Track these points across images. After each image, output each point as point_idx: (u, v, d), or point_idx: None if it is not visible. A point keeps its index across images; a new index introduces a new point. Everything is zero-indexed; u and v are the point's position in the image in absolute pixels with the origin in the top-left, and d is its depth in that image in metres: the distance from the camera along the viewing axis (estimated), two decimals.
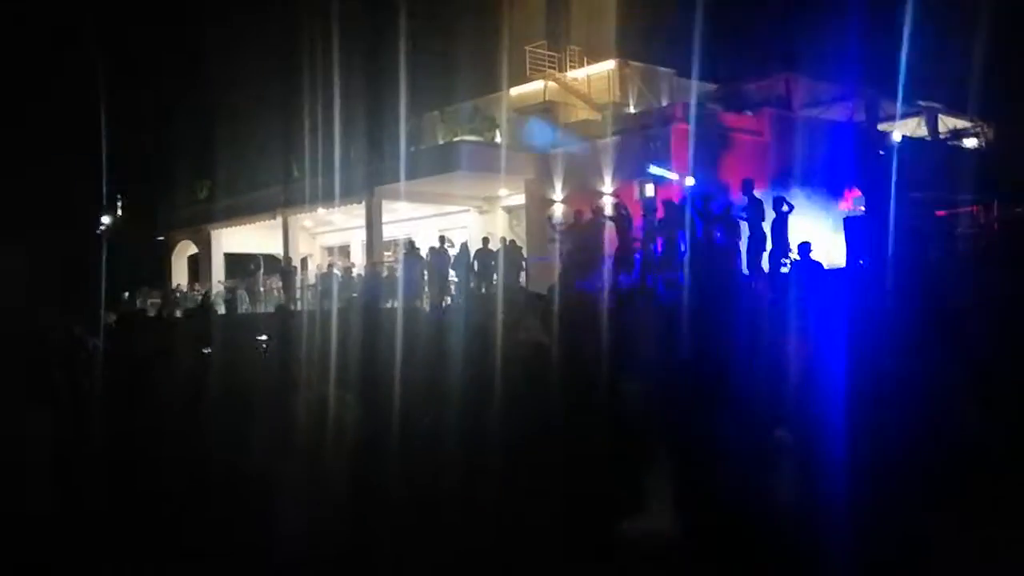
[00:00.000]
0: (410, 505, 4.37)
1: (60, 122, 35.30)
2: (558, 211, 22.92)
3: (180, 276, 34.55)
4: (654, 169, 19.17)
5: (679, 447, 3.99)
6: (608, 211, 18.15)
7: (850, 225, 15.07)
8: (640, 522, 3.99)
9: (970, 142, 27.81)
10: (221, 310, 18.76)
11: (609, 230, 17.66)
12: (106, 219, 36.06)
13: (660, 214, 16.63)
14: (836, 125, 22.36)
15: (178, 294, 30.54)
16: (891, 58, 15.04)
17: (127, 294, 30.42)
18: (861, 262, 13.55)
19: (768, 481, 3.75)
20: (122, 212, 36.94)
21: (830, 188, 19.27)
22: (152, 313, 24.33)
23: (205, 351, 6.10)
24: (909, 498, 3.26)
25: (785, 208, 14.92)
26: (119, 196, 36.46)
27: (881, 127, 23.66)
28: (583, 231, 17.68)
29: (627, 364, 5.09)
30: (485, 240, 20.62)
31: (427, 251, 21.62)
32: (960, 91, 24.97)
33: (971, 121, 27.90)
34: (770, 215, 15.02)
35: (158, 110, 36.00)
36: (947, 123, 28.10)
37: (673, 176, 19.17)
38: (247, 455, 4.32)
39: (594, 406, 4.53)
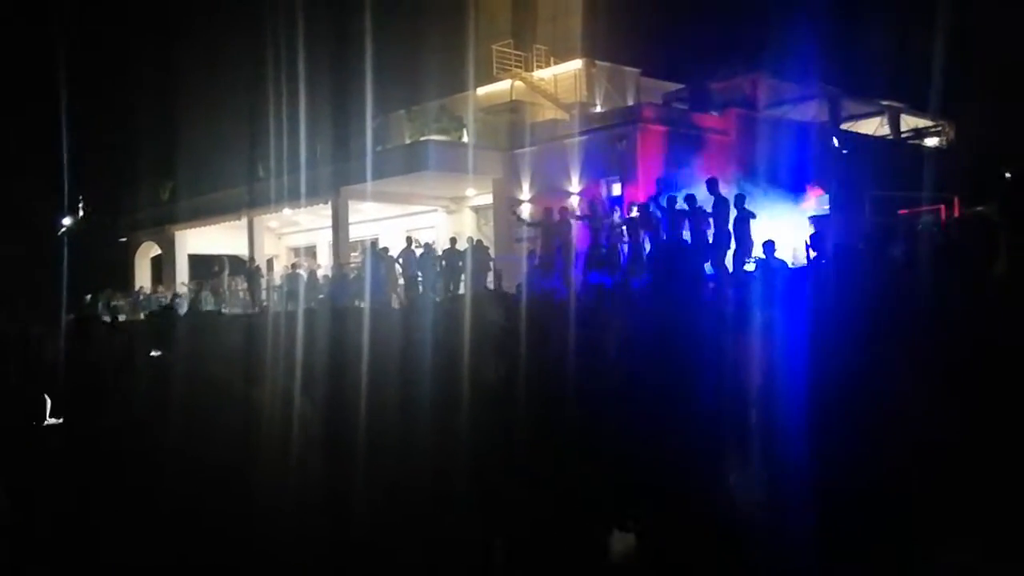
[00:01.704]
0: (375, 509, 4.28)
1: (20, 123, 34.67)
2: (525, 211, 22.89)
3: (143, 278, 34.04)
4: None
5: (640, 449, 3.95)
6: (579, 210, 18.10)
7: (815, 224, 15.18)
8: (603, 529, 3.95)
9: (932, 141, 28.22)
10: (182, 311, 18.43)
11: (578, 229, 17.63)
12: (67, 220, 35.43)
13: (627, 214, 16.64)
14: (801, 125, 22.55)
15: (141, 296, 30.08)
16: (854, 59, 15.20)
17: (89, 297, 29.88)
18: (823, 261, 13.67)
19: (730, 483, 3.73)
20: (83, 213, 36.30)
21: (795, 187, 19.41)
22: (109, 317, 23.86)
23: (154, 353, 5.97)
24: (866, 499, 3.25)
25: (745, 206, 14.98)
26: (80, 197, 35.84)
27: (844, 126, 23.90)
28: (551, 229, 17.63)
29: (594, 364, 5.05)
30: (453, 240, 20.51)
31: (382, 250, 21.44)
32: (922, 91, 25.32)
33: (933, 120, 28.30)
34: (732, 213, 15.08)
35: (120, 109, 35.43)
36: (909, 122, 28.49)
37: None
38: (192, 458, 4.22)
39: (560, 407, 4.46)
